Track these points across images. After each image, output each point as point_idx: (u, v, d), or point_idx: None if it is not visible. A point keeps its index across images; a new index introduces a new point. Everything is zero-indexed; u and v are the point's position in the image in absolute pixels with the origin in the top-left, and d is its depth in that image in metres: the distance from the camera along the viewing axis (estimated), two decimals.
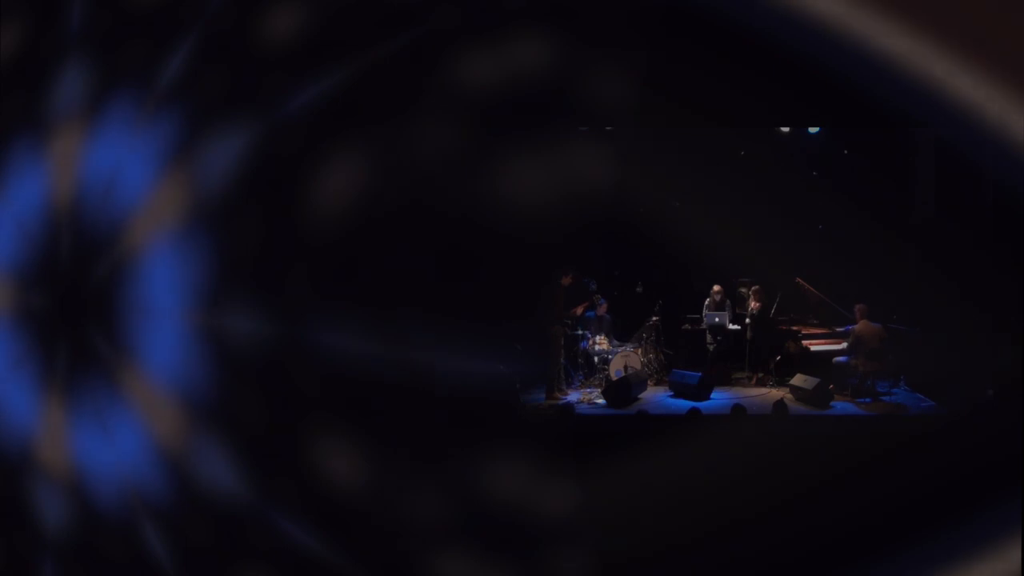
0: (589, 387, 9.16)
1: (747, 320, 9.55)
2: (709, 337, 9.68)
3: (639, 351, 9.47)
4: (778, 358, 9.26)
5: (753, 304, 9.57)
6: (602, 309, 9.62)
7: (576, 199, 6.13)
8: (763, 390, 8.98)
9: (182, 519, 6.22)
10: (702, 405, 8.24)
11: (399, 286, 6.05)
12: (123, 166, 6.34)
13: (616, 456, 6.35)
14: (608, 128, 7.13)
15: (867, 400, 8.34)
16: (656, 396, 8.89)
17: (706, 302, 9.75)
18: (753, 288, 9.65)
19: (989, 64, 5.84)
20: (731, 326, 9.62)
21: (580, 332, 9.47)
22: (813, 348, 9.16)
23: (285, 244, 6.10)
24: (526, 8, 6.02)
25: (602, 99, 6.11)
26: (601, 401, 8.59)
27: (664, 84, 7.42)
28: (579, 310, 9.49)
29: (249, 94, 6.16)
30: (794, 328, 9.48)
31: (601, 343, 9.47)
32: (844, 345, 8.89)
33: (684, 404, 8.32)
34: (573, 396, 8.86)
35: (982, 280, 7.42)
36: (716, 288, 9.68)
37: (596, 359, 9.43)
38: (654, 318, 9.83)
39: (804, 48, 6.08)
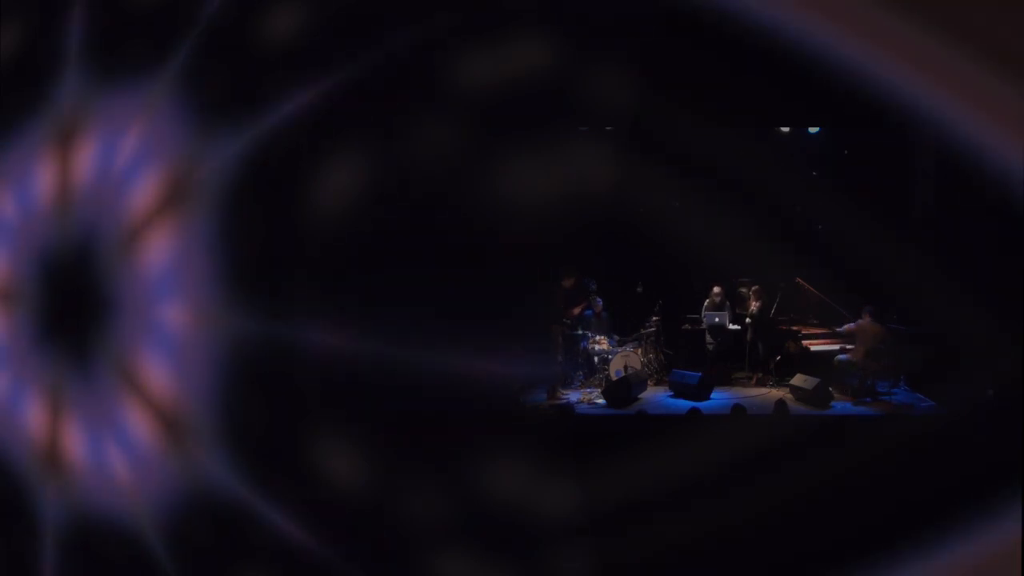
0: (589, 387, 9.15)
1: (747, 320, 9.54)
2: (709, 337, 9.67)
3: (639, 351, 9.46)
4: (778, 358, 9.25)
5: (753, 304, 9.56)
6: (599, 308, 9.62)
7: (576, 199, 6.13)
8: (763, 390, 8.97)
9: (182, 519, 6.22)
10: (702, 405, 8.23)
11: (399, 286, 6.05)
12: (123, 166, 6.34)
13: (616, 456, 6.35)
14: (608, 128, 7.12)
15: (867, 400, 8.34)
16: (656, 396, 8.88)
17: (705, 303, 9.74)
18: (753, 288, 9.63)
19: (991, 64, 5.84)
20: (731, 326, 9.61)
21: (580, 332, 9.47)
22: (813, 348, 9.16)
23: (285, 244, 6.10)
24: (526, 8, 6.02)
25: (602, 99, 6.11)
26: (601, 401, 8.58)
27: (664, 84, 7.44)
28: (577, 310, 9.48)
29: (249, 94, 6.16)
30: (794, 328, 9.47)
31: (601, 343, 9.47)
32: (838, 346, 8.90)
33: (684, 404, 8.32)
34: (573, 396, 8.86)
35: (982, 280, 7.42)
36: (716, 289, 9.66)
37: (596, 359, 9.42)
38: (654, 318, 9.83)
39: (804, 48, 6.08)
